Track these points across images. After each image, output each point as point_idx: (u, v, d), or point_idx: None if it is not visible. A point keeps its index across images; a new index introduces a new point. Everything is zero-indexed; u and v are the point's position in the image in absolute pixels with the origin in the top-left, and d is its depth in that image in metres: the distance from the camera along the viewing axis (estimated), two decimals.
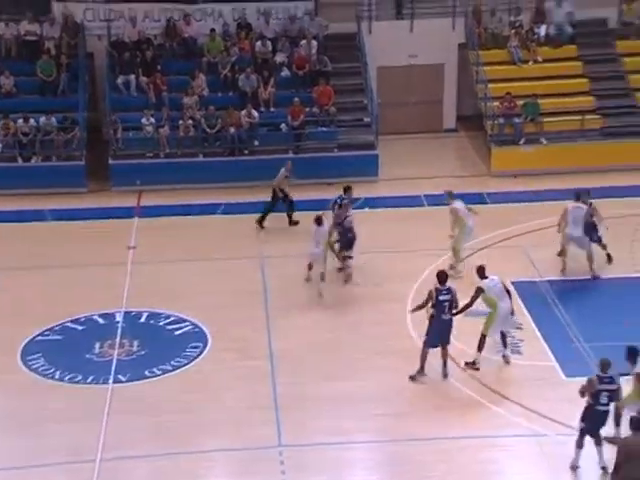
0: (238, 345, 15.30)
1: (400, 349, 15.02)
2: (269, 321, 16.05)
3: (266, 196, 19.65)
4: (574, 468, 12.07)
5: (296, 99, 22.10)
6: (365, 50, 23.50)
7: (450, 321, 13.95)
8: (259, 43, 23.19)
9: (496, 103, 22.33)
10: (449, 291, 13.84)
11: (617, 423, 12.35)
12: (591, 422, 11.85)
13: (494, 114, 22.21)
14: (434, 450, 12.70)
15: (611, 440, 11.93)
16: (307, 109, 22.23)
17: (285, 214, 19.40)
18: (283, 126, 22.12)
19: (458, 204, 17.21)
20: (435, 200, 20.49)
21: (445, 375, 14.09)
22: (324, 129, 22.22)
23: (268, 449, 12.81)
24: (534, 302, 16.22)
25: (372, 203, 20.11)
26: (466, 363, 14.35)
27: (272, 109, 22.54)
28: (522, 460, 12.65)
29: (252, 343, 15.42)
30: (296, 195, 20.10)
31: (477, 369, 14.22)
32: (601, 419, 11.88)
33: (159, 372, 14.60)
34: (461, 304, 14.12)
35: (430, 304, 13.82)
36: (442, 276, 13.97)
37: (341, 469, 12.65)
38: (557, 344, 14.99)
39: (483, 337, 14.19)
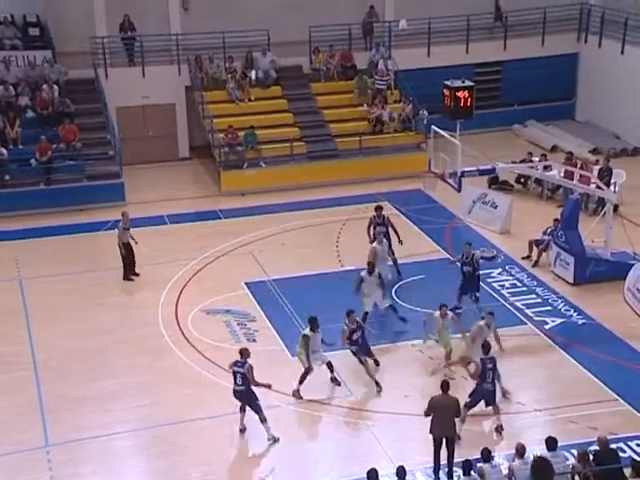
0: (2, 360, 14.86)
1: (154, 348, 15.25)
2: (31, 335, 15.65)
3: (19, 225, 19.34)
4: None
5: (42, 137, 21.60)
6: (104, 92, 23.37)
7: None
8: (1, 87, 22.44)
9: (221, 135, 23.06)
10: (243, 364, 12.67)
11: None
12: None
13: (220, 144, 22.95)
14: (186, 430, 13.00)
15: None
16: (54, 146, 21.78)
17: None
18: (32, 161, 21.50)
19: None
20: (176, 219, 20.91)
21: None
22: (72, 162, 21.85)
23: (36, 450, 12.57)
24: (264, 298, 16.94)
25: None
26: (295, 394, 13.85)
27: (20, 146, 21.91)
28: (262, 429, 12.96)
29: (16, 356, 14.99)
30: (51, 221, 19.67)
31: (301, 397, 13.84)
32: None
33: None
34: None
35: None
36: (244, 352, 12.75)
37: (106, 457, 12.62)
38: (284, 330, 15.69)
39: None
